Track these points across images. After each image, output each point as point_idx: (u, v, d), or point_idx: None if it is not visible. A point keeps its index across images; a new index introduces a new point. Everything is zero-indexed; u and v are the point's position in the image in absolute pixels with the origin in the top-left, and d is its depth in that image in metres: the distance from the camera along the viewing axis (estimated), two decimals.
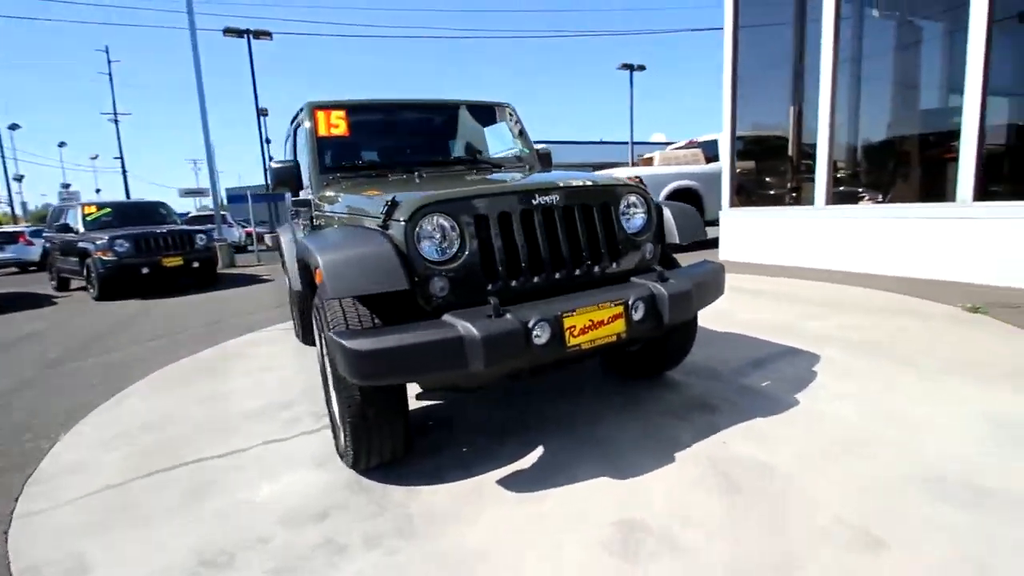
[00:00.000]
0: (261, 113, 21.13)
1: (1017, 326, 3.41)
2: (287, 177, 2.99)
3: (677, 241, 2.46)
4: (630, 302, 2.04)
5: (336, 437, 2.27)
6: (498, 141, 3.63)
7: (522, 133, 3.61)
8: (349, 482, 2.12)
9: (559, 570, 1.55)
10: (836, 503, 1.75)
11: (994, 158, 4.44)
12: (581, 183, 2.25)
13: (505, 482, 2.04)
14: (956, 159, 4.56)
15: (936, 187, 4.93)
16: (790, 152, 7.09)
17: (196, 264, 8.46)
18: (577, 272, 2.17)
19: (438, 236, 1.95)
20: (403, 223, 1.91)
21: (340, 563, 1.65)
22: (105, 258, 7.58)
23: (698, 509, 1.77)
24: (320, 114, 3.09)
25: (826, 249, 5.81)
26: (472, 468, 2.15)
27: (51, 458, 2.59)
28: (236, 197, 19.98)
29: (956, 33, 4.80)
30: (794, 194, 6.68)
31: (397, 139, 3.32)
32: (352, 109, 3.14)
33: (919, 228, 4.87)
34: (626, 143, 31.33)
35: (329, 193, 2.83)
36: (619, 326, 2.03)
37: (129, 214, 9.18)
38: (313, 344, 4.20)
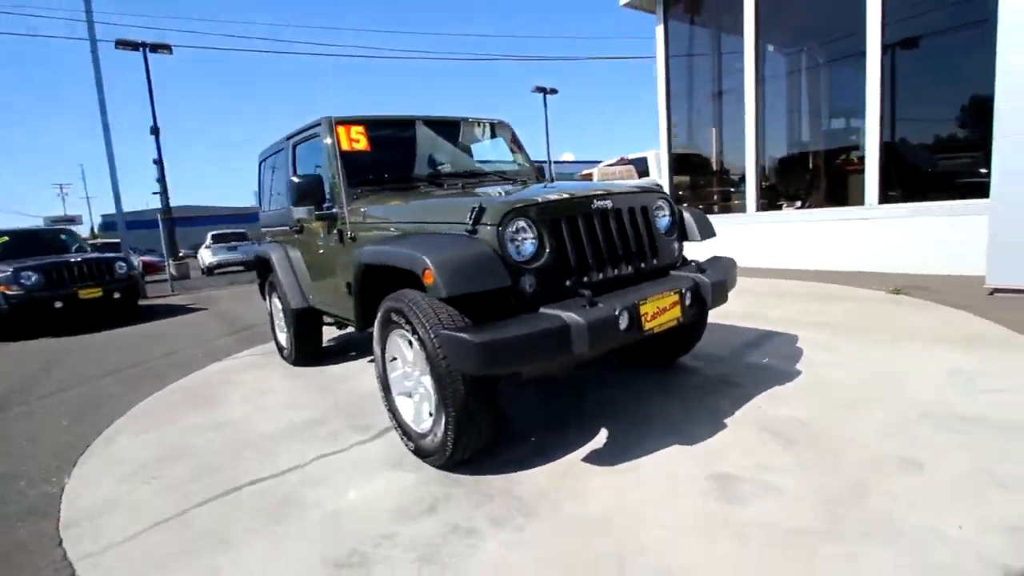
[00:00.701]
0: (154, 132, 19.44)
1: (933, 302, 4.18)
2: (312, 191, 2.97)
3: (698, 240, 2.81)
4: (683, 291, 2.34)
5: (412, 440, 2.32)
6: (496, 155, 3.83)
7: (521, 148, 3.84)
8: (438, 478, 2.18)
9: (679, 519, 1.76)
10: (871, 441, 2.13)
11: (890, 169, 5.38)
12: (625, 190, 2.53)
13: (590, 460, 2.22)
14: (862, 171, 5.48)
15: (847, 194, 5.85)
16: (714, 167, 7.96)
17: (117, 295, 7.66)
18: (630, 268, 2.43)
19: (521, 238, 2.12)
20: (493, 227, 2.07)
21: (478, 543, 1.74)
22: (9, 293, 6.67)
23: (770, 458, 2.08)
24: (341, 129, 3.12)
25: (757, 249, 6.60)
26: (551, 454, 2.31)
27: (69, 502, 2.36)
28: (135, 223, 18.06)
29: (854, 67, 5.78)
30: (725, 202, 7.51)
31: (411, 153, 3.42)
32: (370, 124, 3.21)
33: (835, 228, 5.73)
34: (544, 161, 34.01)
35: (362, 206, 2.87)
36: (677, 312, 2.31)
37: (28, 243, 8.13)
38: (310, 364, 4.09)
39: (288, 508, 2.09)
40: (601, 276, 2.31)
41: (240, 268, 18.52)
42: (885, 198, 5.38)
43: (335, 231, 3.06)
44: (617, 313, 2.04)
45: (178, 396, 3.81)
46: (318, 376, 3.91)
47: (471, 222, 2.10)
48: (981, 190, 4.35)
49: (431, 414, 2.22)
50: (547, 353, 1.92)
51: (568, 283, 2.20)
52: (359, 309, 2.67)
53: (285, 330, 4.12)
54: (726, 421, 2.44)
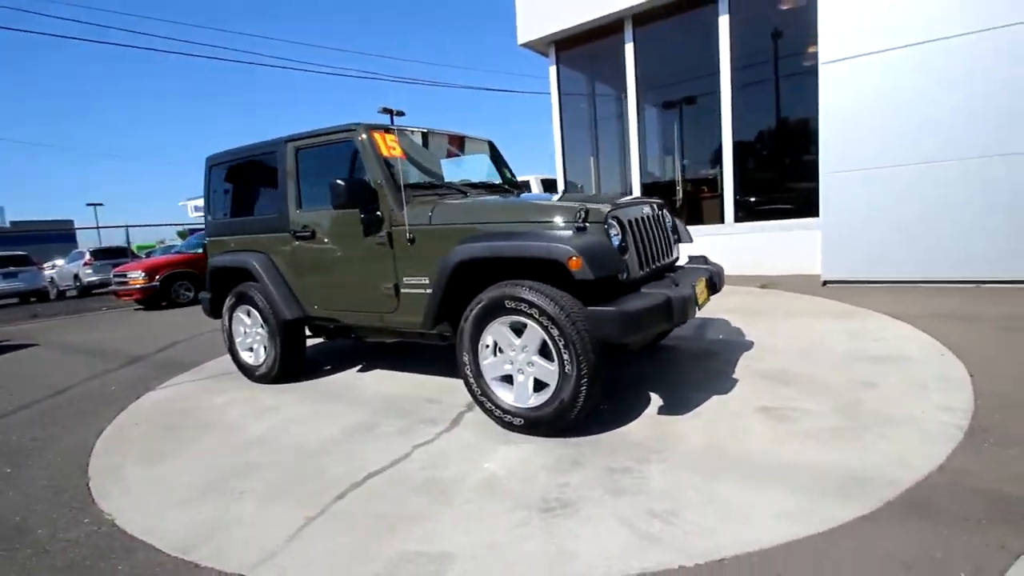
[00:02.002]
0: None
1: (793, 292, 5.66)
2: (363, 193, 3.03)
3: (689, 242, 3.59)
4: (709, 277, 3.06)
5: (517, 416, 2.58)
6: (481, 168, 4.20)
7: (506, 164, 4.28)
8: (558, 444, 2.50)
9: (764, 437, 2.40)
10: (836, 375, 3.06)
11: (742, 194, 7.05)
12: (648, 200, 3.18)
13: (663, 414, 2.76)
14: (721, 197, 7.10)
15: (712, 214, 7.43)
16: (595, 191, 9.22)
17: None
18: (665, 259, 3.08)
19: (614, 233, 2.61)
20: (599, 224, 2.53)
21: (643, 476, 2.15)
22: None
23: (784, 394, 2.86)
24: (378, 136, 3.22)
25: None
26: (627, 415, 2.78)
27: (172, 524, 2.11)
28: None
29: (710, 114, 7.43)
30: None
31: (434, 163, 3.62)
32: (398, 133, 3.35)
33: (705, 241, 7.23)
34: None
35: (418, 208, 3.02)
36: (707, 294, 3.02)
37: None
38: (290, 380, 3.87)
39: (440, 484, 2.22)
40: (654, 265, 2.91)
41: (15, 301, 14.97)
42: (739, 218, 7.04)
43: (381, 233, 3.12)
44: (692, 292, 2.66)
45: (149, 426, 3.33)
46: (316, 388, 3.76)
47: (582, 220, 2.52)
48: (812, 211, 6.05)
49: (535, 390, 2.56)
50: (659, 323, 2.44)
51: (642, 272, 2.76)
52: (436, 307, 2.83)
53: (265, 345, 3.85)
54: (734, 376, 3.20)
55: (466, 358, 2.73)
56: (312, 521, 2.04)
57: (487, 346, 2.70)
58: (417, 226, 2.99)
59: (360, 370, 4.11)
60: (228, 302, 4.00)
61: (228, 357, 4.23)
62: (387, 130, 3.30)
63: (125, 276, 10.23)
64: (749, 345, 3.82)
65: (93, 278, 15.38)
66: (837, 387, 2.90)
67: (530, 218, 2.71)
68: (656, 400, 2.96)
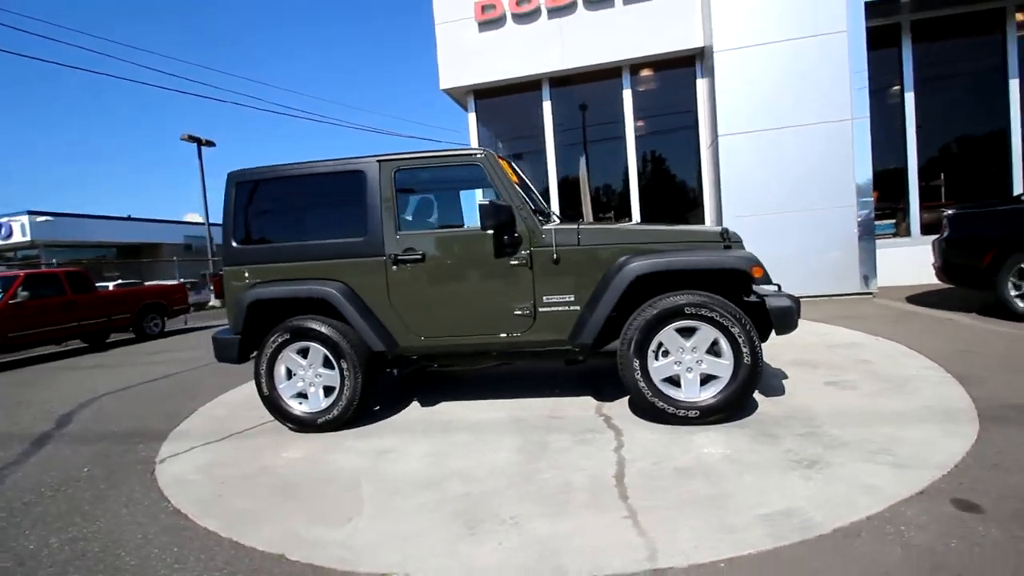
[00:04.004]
0: None
1: None
2: (507, 215, 3.09)
3: None
4: None
5: (693, 409, 2.96)
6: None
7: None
8: (731, 427, 2.95)
9: (848, 399, 3.23)
10: (839, 358, 4.13)
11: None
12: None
13: (770, 397, 3.41)
14: None
15: None
16: None
17: None
18: None
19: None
20: (739, 242, 3.15)
21: (828, 432, 2.74)
22: None
23: (825, 372, 3.78)
24: (501, 161, 3.33)
25: None
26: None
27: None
28: None
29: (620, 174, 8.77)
30: None
31: (527, 188, 3.80)
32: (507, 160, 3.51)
33: None
34: (162, 221, 32.54)
35: (564, 229, 3.24)
36: None
37: None
38: (353, 425, 3.49)
39: (698, 468, 2.46)
40: None
41: None
42: None
43: (520, 254, 3.21)
44: None
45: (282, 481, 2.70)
46: (398, 427, 3.46)
47: (724, 241, 3.10)
48: None
49: (702, 384, 3.00)
50: (796, 320, 3.11)
51: None
52: (603, 321, 3.06)
53: (327, 387, 3.41)
54: (776, 367, 4.05)
55: (636, 364, 3.00)
56: (642, 512, 2.11)
57: (653, 351, 3.02)
58: (565, 247, 3.19)
59: (423, 405, 3.88)
60: (276, 341, 3.42)
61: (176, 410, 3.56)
62: (501, 157, 3.43)
63: None
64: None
65: None
66: (848, 365, 3.95)
67: (690, 239, 3.20)
68: None
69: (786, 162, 6.98)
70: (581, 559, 1.87)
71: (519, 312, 3.26)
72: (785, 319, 2.96)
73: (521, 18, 8.11)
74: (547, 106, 8.59)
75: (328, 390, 3.45)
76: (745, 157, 7.07)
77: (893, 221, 8.14)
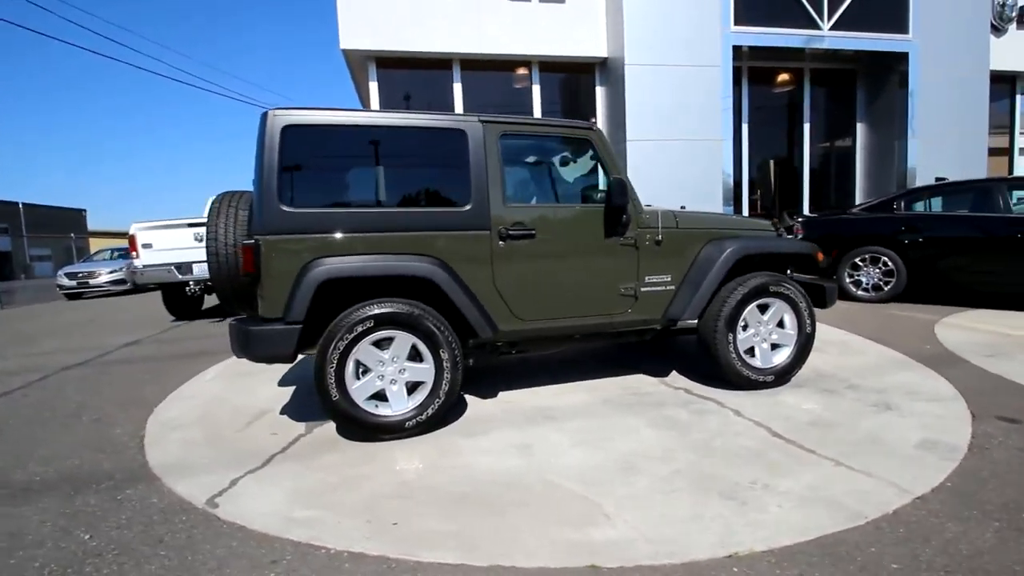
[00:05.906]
0: None
1: None
2: (629, 198, 3.09)
3: None
4: None
5: (768, 373, 3.43)
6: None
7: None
8: (796, 389, 3.51)
9: (882, 376, 4.15)
10: (836, 350, 5.16)
11: None
12: None
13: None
14: None
15: None
16: None
17: None
18: None
19: None
20: (786, 230, 3.74)
21: (875, 394, 3.50)
22: None
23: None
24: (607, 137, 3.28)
25: None
26: None
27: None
28: None
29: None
30: None
31: None
32: None
33: None
34: None
35: (664, 212, 3.36)
36: None
37: None
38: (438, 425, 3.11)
39: (814, 426, 2.91)
40: None
41: None
42: None
43: (628, 234, 3.22)
44: None
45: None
46: (479, 423, 3.16)
47: (777, 230, 3.66)
48: None
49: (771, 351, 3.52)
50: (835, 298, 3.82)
51: None
52: (707, 298, 3.31)
53: (413, 382, 2.92)
54: None
55: (729, 337, 3.34)
56: (843, 458, 2.43)
57: (742, 326, 3.40)
58: (668, 228, 3.32)
59: (471, 396, 3.56)
60: (355, 329, 2.75)
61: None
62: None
63: None
64: None
65: None
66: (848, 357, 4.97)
67: (755, 228, 3.62)
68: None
69: (673, 167, 8.18)
70: (862, 503, 2.11)
71: (623, 292, 3.28)
72: (834, 296, 3.65)
73: None
74: (458, 88, 8.33)
75: (412, 387, 2.94)
76: (652, 160, 8.06)
77: None
